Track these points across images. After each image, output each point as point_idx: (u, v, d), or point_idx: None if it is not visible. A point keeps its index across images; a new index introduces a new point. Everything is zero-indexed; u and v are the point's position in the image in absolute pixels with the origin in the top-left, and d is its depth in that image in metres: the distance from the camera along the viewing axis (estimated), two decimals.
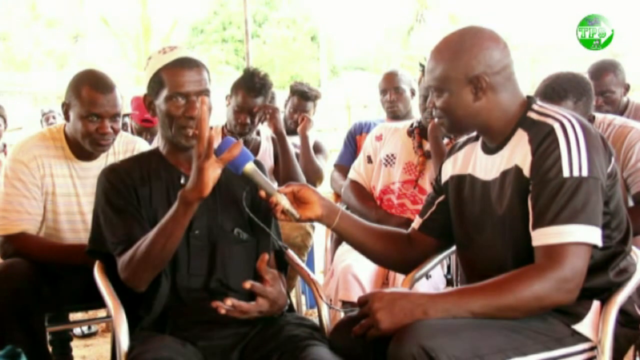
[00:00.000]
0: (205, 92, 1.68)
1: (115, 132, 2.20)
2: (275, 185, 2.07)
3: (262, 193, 1.67)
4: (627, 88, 3.14)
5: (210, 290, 1.71)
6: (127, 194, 1.69)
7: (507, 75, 1.55)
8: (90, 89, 2.14)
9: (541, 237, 1.41)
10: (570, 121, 1.46)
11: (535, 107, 1.56)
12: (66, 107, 2.21)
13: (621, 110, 3.10)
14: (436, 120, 1.65)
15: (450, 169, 1.75)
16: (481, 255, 1.61)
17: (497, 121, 1.56)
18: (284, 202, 1.66)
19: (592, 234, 1.40)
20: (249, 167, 1.65)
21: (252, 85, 3.01)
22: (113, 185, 1.71)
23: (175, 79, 1.66)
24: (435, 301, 1.41)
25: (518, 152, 1.50)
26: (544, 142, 1.44)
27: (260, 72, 3.08)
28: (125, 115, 3.20)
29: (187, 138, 1.69)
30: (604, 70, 3.07)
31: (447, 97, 1.55)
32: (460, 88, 1.53)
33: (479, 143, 1.68)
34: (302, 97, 3.65)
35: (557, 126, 1.45)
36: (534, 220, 1.43)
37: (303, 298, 3.27)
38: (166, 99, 1.67)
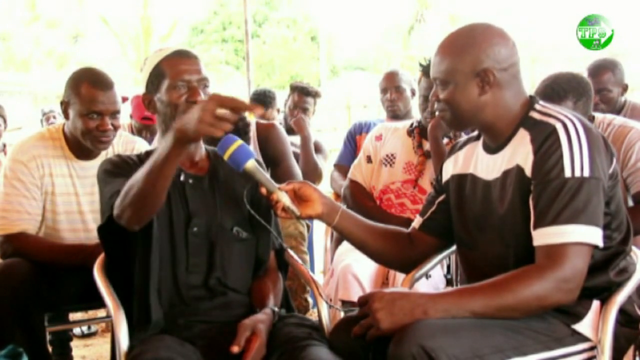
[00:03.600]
0: (206, 80, 1.72)
1: (116, 128, 2.21)
2: None
3: (263, 190, 1.67)
4: (624, 88, 3.14)
5: (209, 289, 1.71)
6: (127, 170, 1.64)
7: (513, 73, 1.55)
8: (89, 87, 2.14)
9: (542, 237, 1.41)
10: (572, 121, 1.46)
11: (537, 107, 1.55)
12: (65, 106, 2.21)
13: (618, 110, 3.10)
14: (438, 113, 1.65)
15: (451, 168, 1.75)
16: (482, 255, 1.61)
17: (499, 119, 1.55)
18: (285, 199, 1.66)
19: (593, 235, 1.40)
20: (251, 164, 1.65)
21: None
22: (114, 163, 1.72)
23: (176, 67, 1.69)
24: (435, 301, 1.41)
25: (520, 152, 1.50)
26: (546, 142, 1.44)
27: None
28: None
29: None
30: (603, 69, 3.07)
31: (452, 90, 1.55)
32: (467, 81, 1.53)
33: (480, 142, 1.67)
34: (302, 92, 3.65)
35: (559, 126, 1.45)
36: (535, 220, 1.43)
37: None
38: (168, 88, 1.69)
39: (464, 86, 1.53)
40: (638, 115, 3.05)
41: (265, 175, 1.68)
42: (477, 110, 1.55)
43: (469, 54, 1.52)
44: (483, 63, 1.51)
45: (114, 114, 2.18)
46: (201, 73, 1.71)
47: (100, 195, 1.72)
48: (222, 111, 1.38)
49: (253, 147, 3.16)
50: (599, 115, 2.49)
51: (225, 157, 1.68)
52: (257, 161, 1.70)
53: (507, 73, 1.53)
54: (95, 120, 2.15)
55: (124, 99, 3.17)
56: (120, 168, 1.69)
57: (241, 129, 2.83)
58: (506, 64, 1.53)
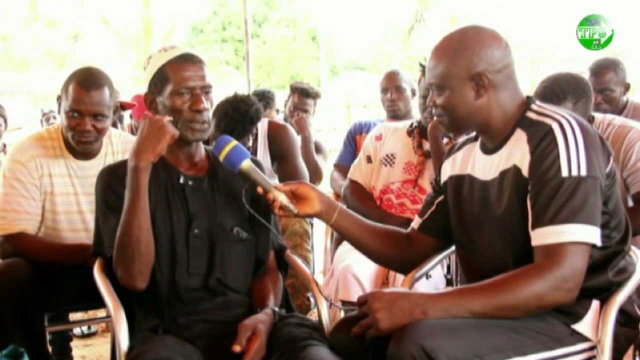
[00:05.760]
0: (209, 87, 1.71)
1: (98, 131, 2.17)
2: (275, 180, 2.04)
3: (260, 189, 1.68)
4: (627, 87, 3.14)
5: (209, 289, 1.71)
6: (124, 195, 1.68)
7: (508, 74, 1.55)
8: (76, 86, 2.13)
9: (540, 236, 1.41)
10: (568, 121, 1.46)
11: (534, 107, 1.56)
12: (59, 101, 2.22)
13: (620, 110, 3.10)
14: (436, 118, 1.65)
15: (449, 169, 1.75)
16: (481, 256, 1.61)
17: (496, 120, 1.56)
18: (282, 197, 1.67)
19: (591, 233, 1.40)
20: (246, 164, 1.66)
21: None
22: (110, 187, 1.72)
23: (180, 73, 1.68)
24: (434, 301, 1.41)
25: (517, 152, 1.50)
26: (542, 141, 1.44)
27: None
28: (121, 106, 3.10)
29: (193, 131, 1.70)
30: (605, 68, 3.06)
31: (448, 95, 1.55)
32: (462, 85, 1.53)
33: (477, 143, 1.67)
34: (302, 94, 3.65)
35: (555, 126, 1.45)
36: (533, 220, 1.43)
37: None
38: (171, 94, 1.68)
39: (459, 91, 1.54)
40: None
41: (261, 174, 1.69)
42: (474, 114, 1.55)
43: (463, 58, 1.52)
44: (477, 66, 1.52)
45: (96, 115, 2.14)
46: (205, 80, 1.70)
47: (96, 223, 1.76)
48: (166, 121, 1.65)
49: (262, 144, 3.17)
50: (598, 116, 2.49)
51: (221, 158, 1.68)
52: (254, 160, 1.70)
53: (501, 74, 1.54)
54: (75, 119, 2.13)
55: (128, 106, 3.16)
56: (119, 198, 1.68)
57: (254, 115, 2.79)
58: (500, 65, 1.53)
